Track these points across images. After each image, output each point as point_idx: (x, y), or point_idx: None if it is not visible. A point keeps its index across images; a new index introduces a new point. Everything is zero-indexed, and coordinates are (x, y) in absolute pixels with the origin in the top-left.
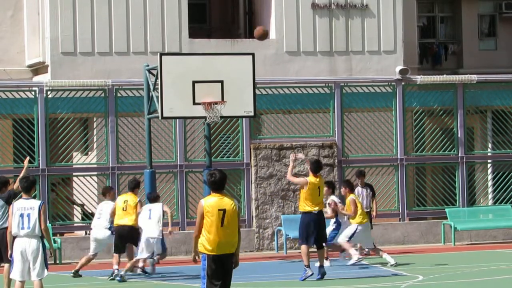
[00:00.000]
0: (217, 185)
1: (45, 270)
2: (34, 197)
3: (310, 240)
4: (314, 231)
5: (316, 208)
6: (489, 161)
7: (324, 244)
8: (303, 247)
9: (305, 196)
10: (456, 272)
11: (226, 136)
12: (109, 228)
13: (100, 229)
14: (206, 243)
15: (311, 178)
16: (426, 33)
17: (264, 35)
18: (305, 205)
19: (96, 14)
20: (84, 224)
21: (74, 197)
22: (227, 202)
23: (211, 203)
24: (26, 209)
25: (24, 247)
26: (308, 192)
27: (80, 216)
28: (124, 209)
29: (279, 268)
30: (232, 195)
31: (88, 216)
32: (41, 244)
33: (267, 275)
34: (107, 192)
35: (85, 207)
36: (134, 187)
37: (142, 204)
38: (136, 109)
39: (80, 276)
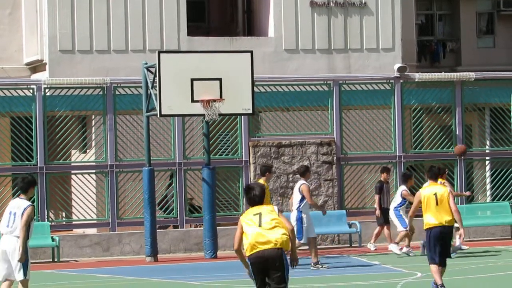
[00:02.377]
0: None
1: (27, 270)
2: (30, 198)
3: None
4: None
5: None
6: (487, 158)
7: None
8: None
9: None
10: (454, 268)
11: (225, 134)
12: None
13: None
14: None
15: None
16: (424, 31)
17: (464, 152)
18: None
19: (95, 12)
20: (83, 222)
21: (73, 195)
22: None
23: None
24: (15, 208)
25: (5, 246)
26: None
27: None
28: None
29: None
30: (231, 193)
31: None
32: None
33: None
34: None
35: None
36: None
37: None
38: (135, 107)
39: None
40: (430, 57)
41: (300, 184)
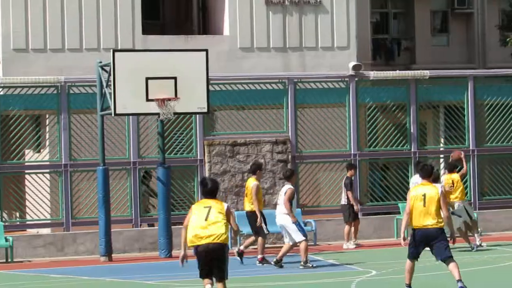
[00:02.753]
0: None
1: None
2: None
3: None
4: None
5: None
6: (441, 156)
7: None
8: None
9: None
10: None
11: (180, 133)
12: None
13: None
14: None
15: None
16: (379, 29)
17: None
18: None
19: (49, 10)
20: (37, 222)
21: (27, 195)
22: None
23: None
24: None
25: None
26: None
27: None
28: None
29: (233, 264)
30: (186, 192)
31: None
32: None
33: None
34: None
35: None
36: None
37: None
38: (89, 106)
39: None
40: (385, 55)
41: (287, 188)
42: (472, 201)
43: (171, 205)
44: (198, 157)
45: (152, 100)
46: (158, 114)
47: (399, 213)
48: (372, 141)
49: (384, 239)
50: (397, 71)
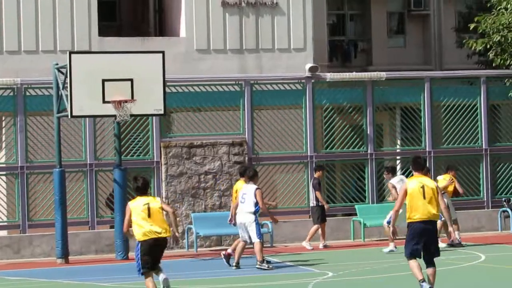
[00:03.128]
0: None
1: None
2: None
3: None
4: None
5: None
6: (397, 157)
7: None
8: None
9: None
10: (365, 268)
11: (136, 135)
12: None
13: None
14: None
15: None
16: (335, 30)
17: None
18: None
19: (4, 12)
20: None
21: None
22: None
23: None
24: None
25: None
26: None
27: None
28: None
29: (190, 266)
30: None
31: None
32: None
33: (178, 273)
34: None
35: None
36: None
37: None
38: (46, 108)
39: None
40: (341, 57)
41: (254, 188)
42: None
43: None
44: (155, 159)
45: (108, 102)
46: (114, 116)
47: (355, 214)
48: (329, 143)
49: (340, 241)
50: (354, 73)
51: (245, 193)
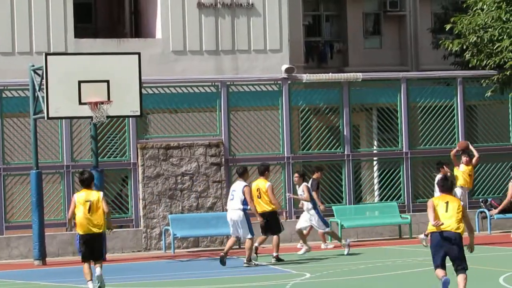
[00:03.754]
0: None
1: None
2: None
3: None
4: None
5: None
6: (374, 158)
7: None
8: None
9: None
10: (343, 269)
11: (113, 136)
12: None
13: None
14: None
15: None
16: (311, 31)
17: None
18: None
19: None
20: None
21: None
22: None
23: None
24: None
25: None
26: None
27: None
28: None
29: (167, 268)
30: (119, 195)
31: None
32: None
33: (155, 275)
34: None
35: None
36: None
37: None
38: (22, 110)
39: None
40: (317, 58)
41: (242, 185)
42: (405, 203)
43: None
44: (132, 161)
45: (85, 103)
46: (91, 117)
47: (332, 215)
48: (306, 144)
49: (318, 242)
50: (330, 74)
51: (234, 190)
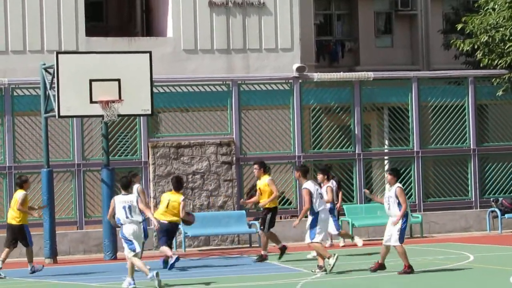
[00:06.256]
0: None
1: None
2: None
3: None
4: None
5: None
6: (385, 157)
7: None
8: None
9: None
10: (353, 268)
11: (124, 135)
12: None
13: None
14: None
15: None
16: (322, 30)
17: None
18: None
19: None
20: None
21: None
22: None
23: None
24: None
25: None
26: None
27: None
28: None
29: (177, 266)
30: None
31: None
32: None
33: (165, 273)
34: None
35: None
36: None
37: None
38: (33, 108)
39: None
40: (328, 57)
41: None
42: (416, 202)
43: None
44: (143, 159)
45: (96, 102)
46: (102, 116)
47: (344, 214)
48: (317, 143)
49: (333, 241)
50: (341, 73)
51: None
